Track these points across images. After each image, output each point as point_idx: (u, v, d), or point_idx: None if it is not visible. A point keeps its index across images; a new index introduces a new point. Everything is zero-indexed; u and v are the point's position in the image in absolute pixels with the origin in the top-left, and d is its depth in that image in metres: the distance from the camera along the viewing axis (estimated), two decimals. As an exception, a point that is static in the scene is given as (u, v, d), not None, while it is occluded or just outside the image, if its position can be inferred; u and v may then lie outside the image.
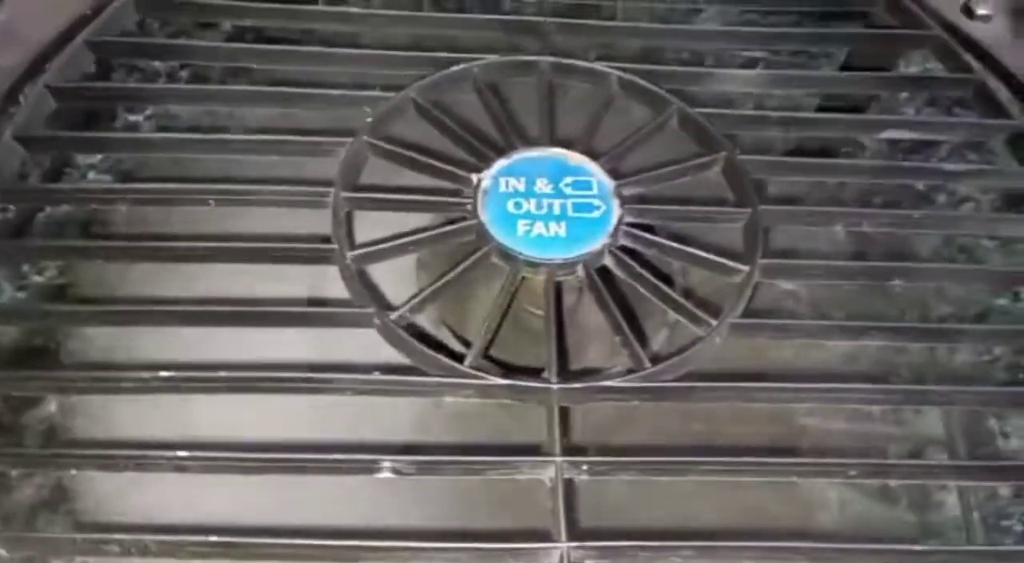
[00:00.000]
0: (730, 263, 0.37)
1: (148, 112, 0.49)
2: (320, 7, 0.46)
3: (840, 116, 0.43)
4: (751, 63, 0.48)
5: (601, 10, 0.49)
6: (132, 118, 0.49)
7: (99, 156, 0.47)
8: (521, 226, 0.37)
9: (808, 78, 0.46)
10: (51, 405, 0.37)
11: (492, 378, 0.33)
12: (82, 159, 0.47)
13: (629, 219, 0.38)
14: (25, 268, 0.43)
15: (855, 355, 0.39)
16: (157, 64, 0.50)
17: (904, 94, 0.47)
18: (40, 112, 0.40)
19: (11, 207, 0.41)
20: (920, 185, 0.45)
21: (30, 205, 0.40)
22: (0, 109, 0.41)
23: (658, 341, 0.39)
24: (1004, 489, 0.40)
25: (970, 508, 0.40)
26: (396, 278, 0.39)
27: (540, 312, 0.37)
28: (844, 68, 0.49)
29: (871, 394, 0.35)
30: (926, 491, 0.40)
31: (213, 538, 0.29)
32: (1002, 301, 0.44)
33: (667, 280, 0.39)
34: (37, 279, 0.43)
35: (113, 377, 0.33)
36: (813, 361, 0.37)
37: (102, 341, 0.37)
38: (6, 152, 0.38)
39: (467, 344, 0.38)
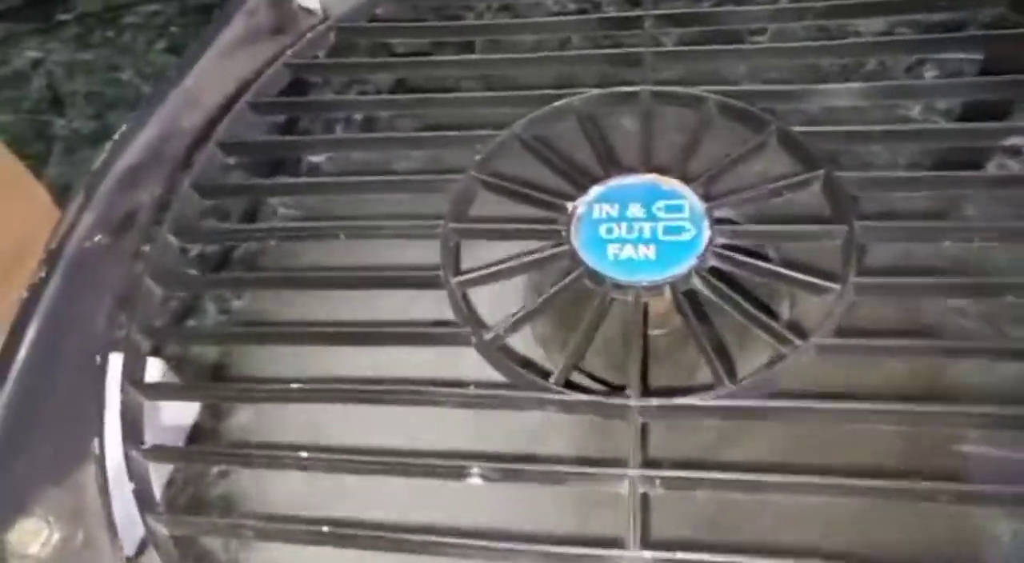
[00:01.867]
0: (819, 281, 0.36)
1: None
2: (445, 57, 0.51)
3: (948, 126, 0.41)
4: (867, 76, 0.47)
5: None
6: (315, 159, 0.56)
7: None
8: (611, 250, 0.39)
9: (913, 88, 0.44)
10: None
11: (576, 395, 0.35)
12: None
13: (720, 241, 0.39)
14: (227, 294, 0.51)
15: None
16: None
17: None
18: (214, 163, 0.48)
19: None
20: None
21: (203, 243, 0.48)
22: (183, 164, 0.49)
23: (745, 361, 0.39)
24: None
25: None
26: (504, 301, 0.42)
27: (660, 331, 0.39)
28: (983, 73, 0.47)
29: (971, 418, 0.33)
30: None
31: (325, 528, 0.33)
32: None
33: (769, 308, 0.39)
34: (237, 304, 0.51)
35: (256, 389, 0.39)
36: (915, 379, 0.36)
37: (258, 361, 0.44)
38: (185, 198, 0.46)
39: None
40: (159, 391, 0.40)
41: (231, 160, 0.49)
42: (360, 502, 0.36)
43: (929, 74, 0.54)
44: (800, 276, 0.37)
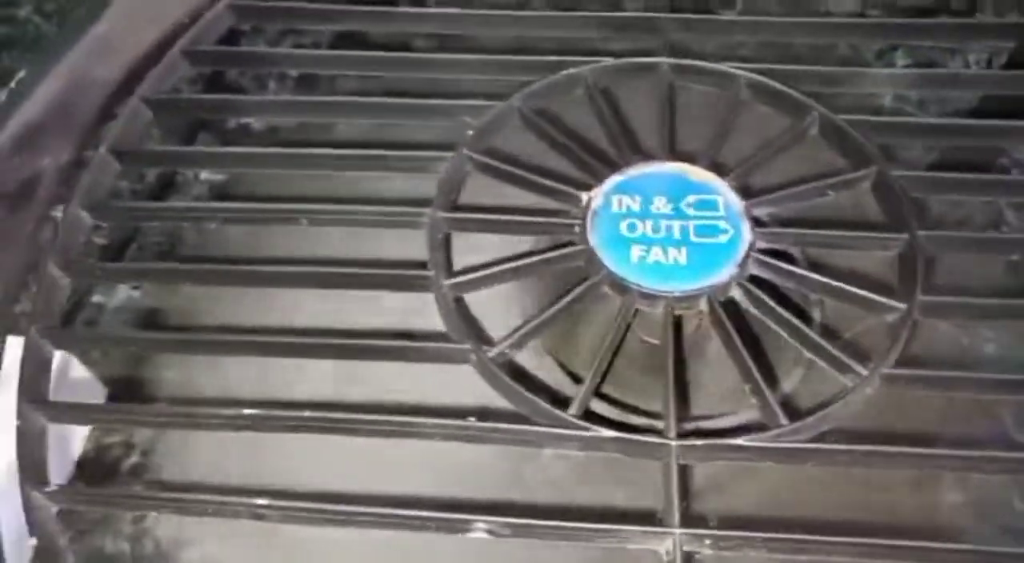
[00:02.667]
0: (884, 300, 0.31)
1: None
2: (419, 9, 0.43)
3: (1010, 123, 0.36)
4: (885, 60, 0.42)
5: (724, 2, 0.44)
6: (244, 120, 0.47)
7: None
8: (636, 252, 0.33)
9: (970, 78, 0.39)
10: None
11: (601, 430, 0.29)
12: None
13: (761, 245, 0.33)
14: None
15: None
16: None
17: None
18: (137, 124, 0.39)
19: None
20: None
21: (123, 223, 0.39)
22: (95, 123, 0.40)
23: (791, 383, 0.33)
24: None
25: None
26: (497, 302, 0.35)
27: (656, 341, 0.33)
28: (1009, 66, 0.42)
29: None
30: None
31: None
32: None
33: (801, 314, 0.34)
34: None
35: (196, 413, 0.31)
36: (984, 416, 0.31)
37: (189, 371, 0.35)
38: (101, 166, 0.37)
39: (574, 378, 0.35)
40: (63, 413, 0.32)
41: (156, 120, 0.40)
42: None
43: (900, 62, 0.50)
44: (863, 293, 0.32)
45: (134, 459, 0.34)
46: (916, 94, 0.41)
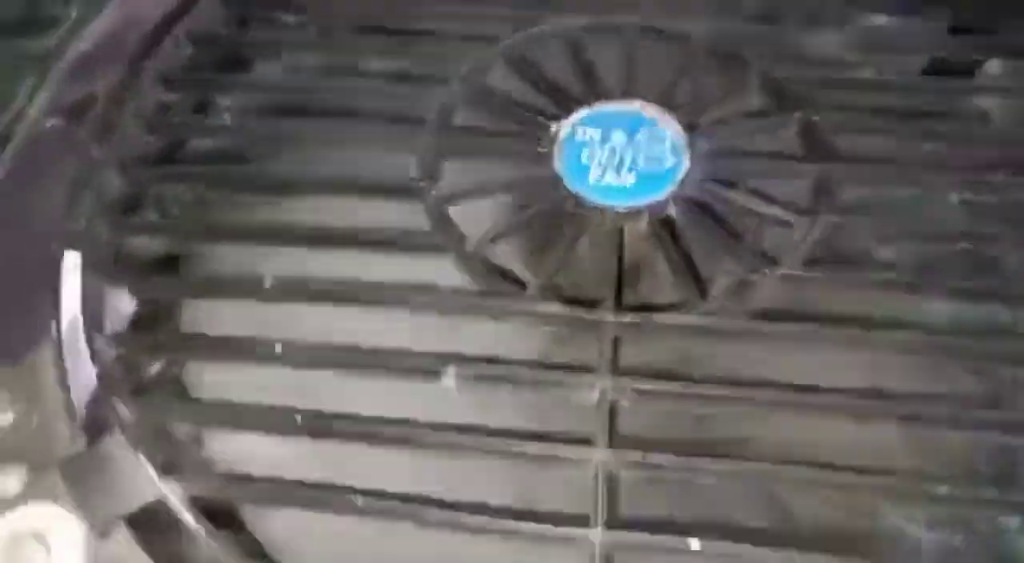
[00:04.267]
0: (789, 215, 0.38)
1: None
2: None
3: (928, 80, 0.43)
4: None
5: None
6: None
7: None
8: (593, 174, 0.40)
9: (903, 39, 0.45)
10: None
11: (550, 305, 0.36)
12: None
13: (698, 171, 0.40)
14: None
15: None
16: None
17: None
18: (180, 55, 0.46)
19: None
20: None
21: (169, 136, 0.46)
22: (142, 55, 0.47)
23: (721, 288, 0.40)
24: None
25: None
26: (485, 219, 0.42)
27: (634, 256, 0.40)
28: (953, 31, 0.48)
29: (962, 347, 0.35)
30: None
31: (298, 418, 0.33)
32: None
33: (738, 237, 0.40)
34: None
35: (227, 284, 0.38)
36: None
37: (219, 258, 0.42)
38: (149, 89, 0.44)
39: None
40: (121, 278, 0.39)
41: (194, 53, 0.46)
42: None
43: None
44: (772, 209, 0.38)
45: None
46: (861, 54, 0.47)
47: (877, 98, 0.43)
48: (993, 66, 0.44)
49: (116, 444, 0.34)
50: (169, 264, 0.41)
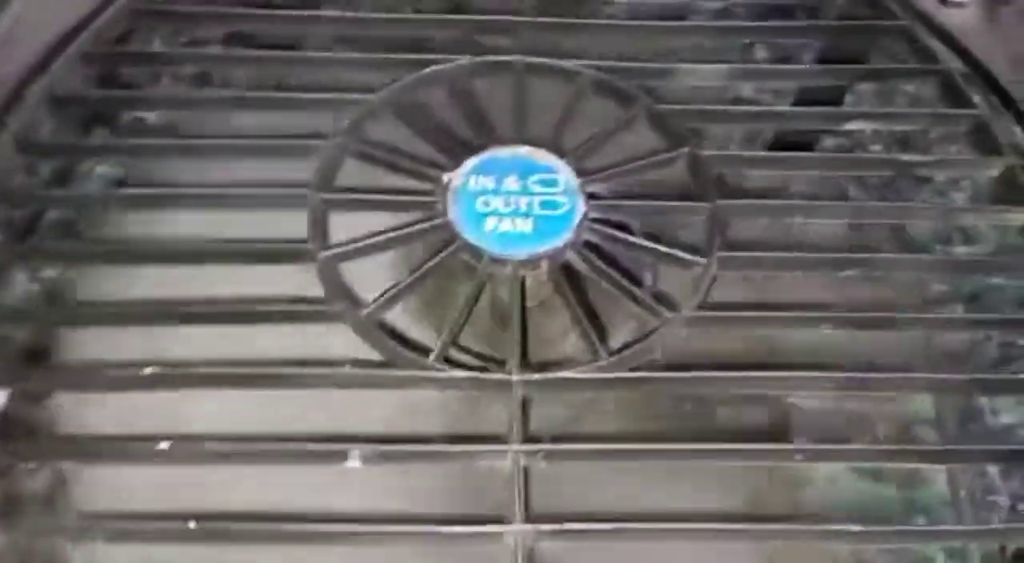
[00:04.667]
0: (687, 256, 0.38)
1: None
2: (295, 11, 0.47)
3: (802, 109, 0.44)
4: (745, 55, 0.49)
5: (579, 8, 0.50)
6: (139, 114, 0.50)
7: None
8: (489, 223, 0.39)
9: (774, 71, 0.46)
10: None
11: (455, 371, 0.35)
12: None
13: (594, 215, 0.39)
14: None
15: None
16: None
17: (870, 86, 0.47)
18: (39, 117, 0.43)
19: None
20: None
21: (29, 209, 0.42)
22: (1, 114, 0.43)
23: (625, 335, 0.40)
24: (993, 467, 0.40)
25: (958, 485, 0.41)
26: (380, 279, 0.40)
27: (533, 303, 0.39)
28: (821, 61, 0.50)
29: (843, 383, 0.36)
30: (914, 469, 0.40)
31: (192, 524, 0.31)
32: (997, 280, 0.43)
33: (635, 278, 0.40)
34: (50, 273, 0.45)
35: (103, 375, 0.35)
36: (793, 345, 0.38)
37: (94, 341, 0.39)
38: (7, 157, 0.41)
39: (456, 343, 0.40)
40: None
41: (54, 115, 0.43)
42: (220, 492, 0.34)
43: (760, 55, 0.57)
44: (668, 250, 0.38)
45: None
46: (746, 86, 0.48)
47: (758, 127, 0.44)
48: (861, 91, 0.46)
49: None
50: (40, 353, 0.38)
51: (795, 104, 0.47)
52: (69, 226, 0.46)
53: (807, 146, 0.48)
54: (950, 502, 0.39)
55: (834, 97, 0.48)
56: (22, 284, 0.44)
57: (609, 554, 0.33)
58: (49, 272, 0.44)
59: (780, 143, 0.47)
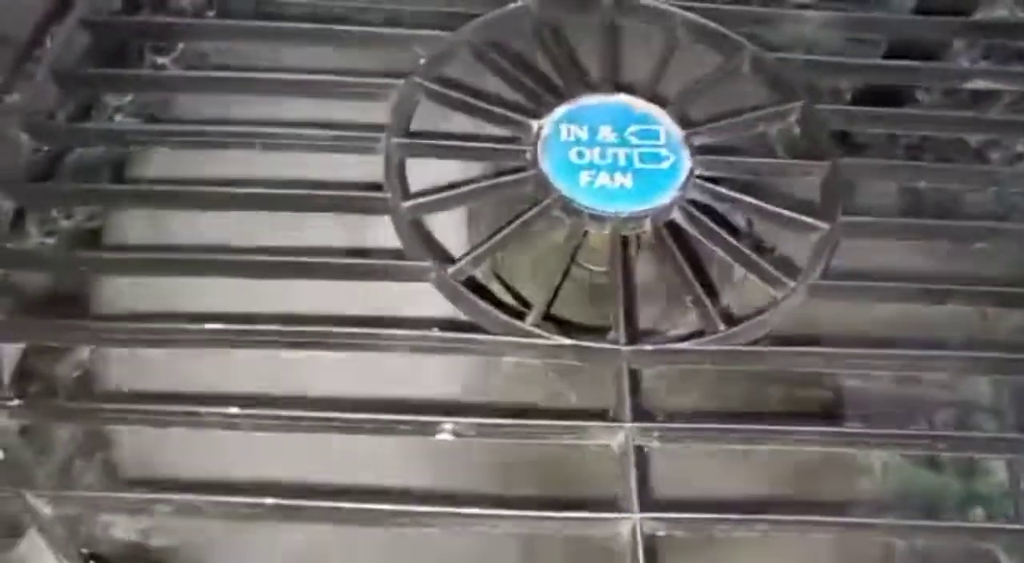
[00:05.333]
0: (810, 220, 0.34)
1: (176, 54, 0.46)
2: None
3: (928, 64, 0.40)
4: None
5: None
6: (160, 60, 0.46)
7: (127, 98, 0.44)
8: (584, 177, 0.35)
9: (889, 21, 0.42)
10: (84, 353, 0.35)
11: (557, 338, 0.31)
12: (110, 100, 0.45)
13: (700, 171, 0.35)
14: (53, 212, 0.40)
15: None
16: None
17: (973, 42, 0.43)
18: (72, 47, 0.38)
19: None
20: (973, 141, 0.42)
21: (61, 145, 0.38)
22: (30, 45, 0.38)
23: (728, 298, 0.36)
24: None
25: (1018, 477, 0.38)
26: (445, 229, 0.36)
27: (599, 268, 0.35)
28: (919, 12, 0.46)
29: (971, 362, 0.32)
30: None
31: (269, 500, 0.27)
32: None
33: (737, 235, 0.37)
34: (65, 224, 0.41)
35: (157, 328, 0.31)
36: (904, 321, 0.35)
37: (140, 291, 0.35)
38: (40, 88, 0.36)
39: (522, 301, 0.37)
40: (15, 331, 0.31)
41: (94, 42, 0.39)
42: (289, 464, 0.30)
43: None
44: (790, 213, 0.34)
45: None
46: (844, 34, 0.44)
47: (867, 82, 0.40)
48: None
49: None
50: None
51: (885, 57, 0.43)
52: (93, 169, 0.41)
53: (897, 99, 0.44)
54: (1010, 493, 0.36)
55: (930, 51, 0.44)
56: (35, 237, 0.40)
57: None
58: (65, 222, 0.40)
59: (866, 96, 0.42)
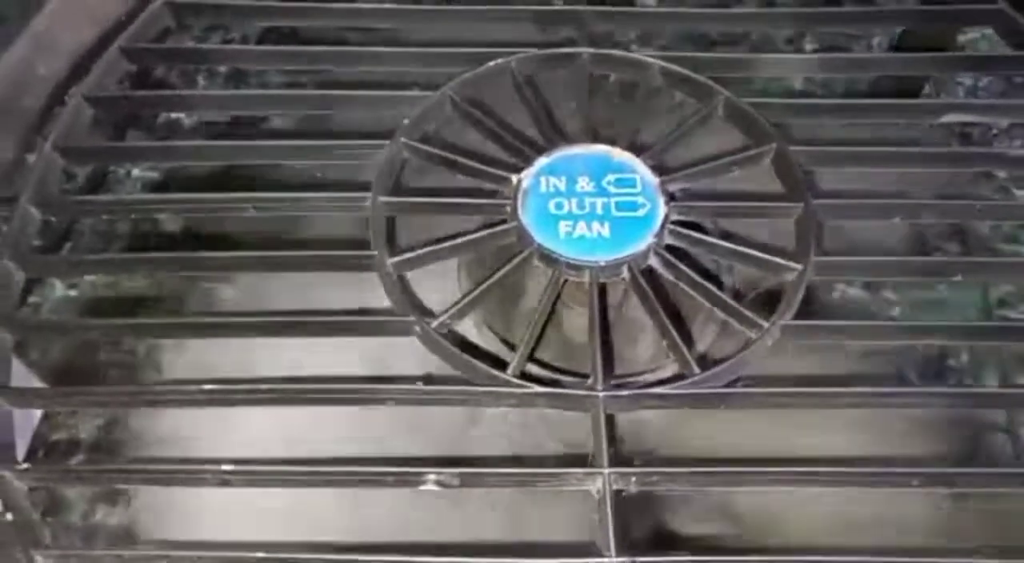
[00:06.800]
0: (783, 261, 0.35)
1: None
2: (353, 5, 0.44)
3: (898, 101, 0.41)
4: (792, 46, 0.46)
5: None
6: (175, 115, 0.48)
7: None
8: (563, 227, 0.36)
9: (862, 61, 0.43)
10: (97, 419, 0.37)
11: (535, 387, 0.32)
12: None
13: (675, 217, 0.36)
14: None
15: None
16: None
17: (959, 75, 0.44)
18: (80, 121, 0.41)
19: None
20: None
21: (69, 217, 0.40)
22: (39, 120, 0.41)
23: (705, 342, 0.37)
24: None
25: None
26: (437, 281, 0.38)
27: (583, 308, 0.36)
28: (896, 49, 0.47)
29: (934, 398, 0.33)
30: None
31: (260, 554, 0.28)
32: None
33: (715, 279, 0.38)
34: (88, 277, 0.43)
35: (157, 390, 0.33)
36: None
37: (146, 353, 0.37)
38: (47, 163, 0.39)
39: (510, 347, 0.38)
40: (27, 398, 0.33)
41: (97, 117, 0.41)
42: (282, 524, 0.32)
43: (808, 46, 0.54)
44: (763, 255, 0.35)
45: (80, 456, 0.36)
46: (820, 77, 0.45)
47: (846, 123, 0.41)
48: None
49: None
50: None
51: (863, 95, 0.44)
52: (106, 233, 0.44)
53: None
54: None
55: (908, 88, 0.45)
56: (59, 290, 0.42)
57: None
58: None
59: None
